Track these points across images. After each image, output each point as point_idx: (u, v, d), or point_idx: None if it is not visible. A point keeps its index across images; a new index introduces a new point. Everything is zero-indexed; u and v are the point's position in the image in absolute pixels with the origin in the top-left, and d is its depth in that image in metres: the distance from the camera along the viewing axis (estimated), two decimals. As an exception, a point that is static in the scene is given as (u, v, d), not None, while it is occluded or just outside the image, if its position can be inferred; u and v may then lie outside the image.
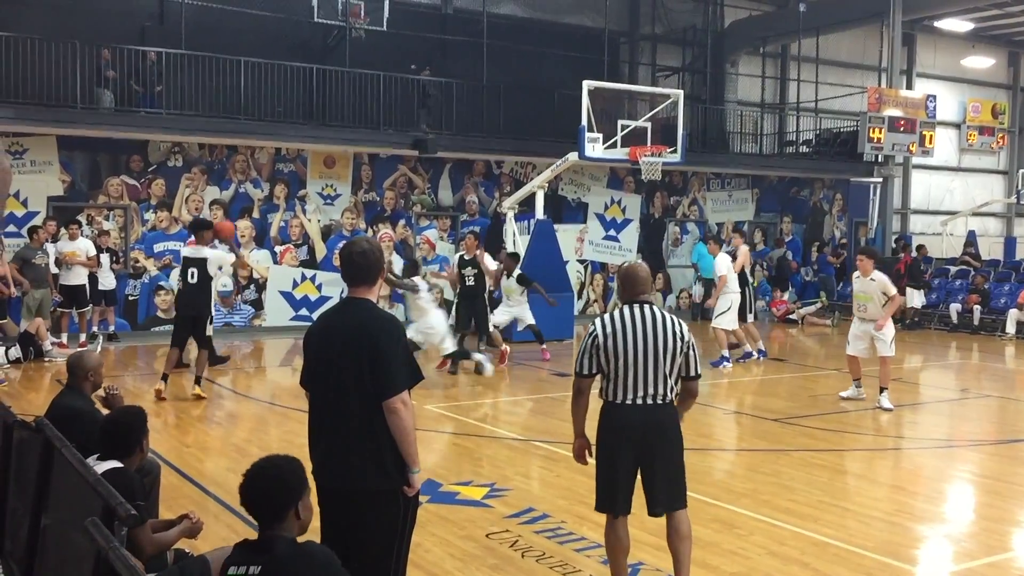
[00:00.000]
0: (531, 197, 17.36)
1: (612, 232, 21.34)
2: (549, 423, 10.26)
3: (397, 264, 18.78)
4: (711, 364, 13.74)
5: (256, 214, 17.66)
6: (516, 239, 17.33)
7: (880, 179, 23.73)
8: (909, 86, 26.80)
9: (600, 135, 15.83)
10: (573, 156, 16.10)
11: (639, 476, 4.99)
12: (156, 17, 17.81)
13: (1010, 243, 28.22)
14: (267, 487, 3.35)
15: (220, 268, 11.36)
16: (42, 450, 4.09)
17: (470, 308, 13.42)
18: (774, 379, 13.40)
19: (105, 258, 15.06)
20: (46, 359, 13.33)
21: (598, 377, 5.01)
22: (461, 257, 13.75)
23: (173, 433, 9.21)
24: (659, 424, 4.92)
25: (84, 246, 14.44)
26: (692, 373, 5.00)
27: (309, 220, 18.08)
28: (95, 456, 4.43)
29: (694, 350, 5.00)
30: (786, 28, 23.78)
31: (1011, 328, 18.41)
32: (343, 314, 4.21)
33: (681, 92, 17.28)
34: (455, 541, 6.09)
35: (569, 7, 22.16)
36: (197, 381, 11.03)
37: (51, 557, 3.88)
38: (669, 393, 4.93)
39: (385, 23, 18.27)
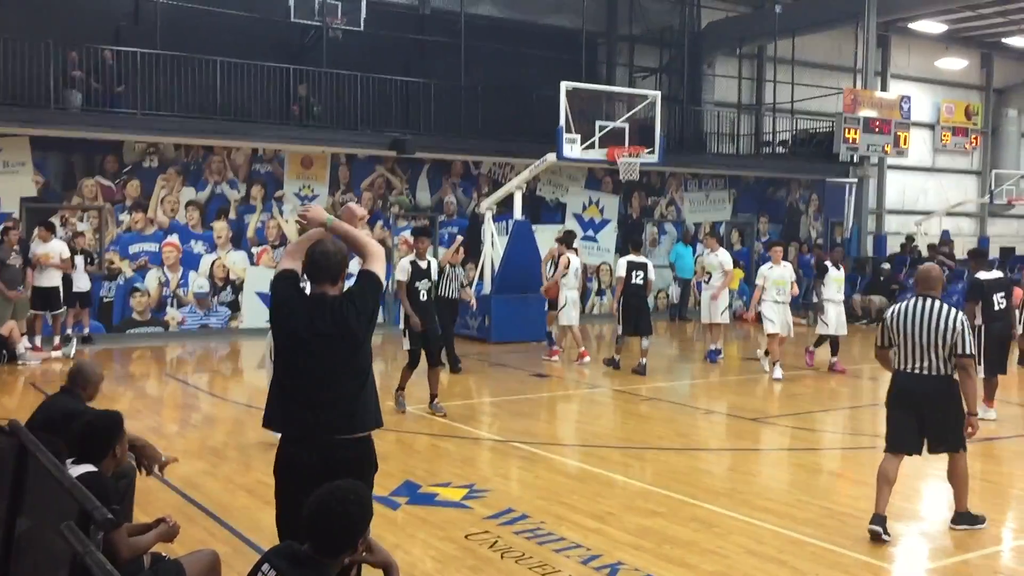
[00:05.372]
0: (509, 198, 17.35)
1: (590, 232, 21.37)
2: (528, 424, 10.26)
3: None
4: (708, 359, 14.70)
5: (233, 215, 17.55)
6: (494, 240, 17.32)
7: (855, 179, 23.95)
8: (884, 87, 27.04)
9: (578, 136, 15.85)
10: (551, 157, 16.11)
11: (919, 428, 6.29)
12: (131, 17, 17.68)
13: (983, 243, 28.51)
14: (332, 529, 3.32)
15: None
16: (16, 454, 4.04)
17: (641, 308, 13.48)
18: (751, 379, 13.46)
19: (79, 260, 14.89)
20: (19, 362, 13.18)
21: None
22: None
23: (150, 437, 9.08)
24: (930, 390, 6.22)
25: (58, 248, 14.28)
26: (962, 351, 6.17)
27: (287, 221, 17.99)
28: (70, 460, 4.38)
29: (964, 335, 6.17)
30: (762, 29, 23.93)
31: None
32: (310, 299, 4.30)
33: (658, 93, 17.34)
34: (434, 542, 6.07)
35: (547, 8, 22.18)
36: None
37: (27, 561, 3.84)
38: (943, 367, 6.19)
39: (362, 23, 18.23)
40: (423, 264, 10.10)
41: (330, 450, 4.11)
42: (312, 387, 4.15)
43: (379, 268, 4.23)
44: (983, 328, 10.23)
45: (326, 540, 3.31)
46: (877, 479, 6.35)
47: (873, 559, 5.90)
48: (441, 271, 12.69)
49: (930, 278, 6.47)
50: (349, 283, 4.22)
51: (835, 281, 13.50)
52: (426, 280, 10.05)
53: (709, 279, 14.79)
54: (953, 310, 6.26)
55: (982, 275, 10.45)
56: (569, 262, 14.13)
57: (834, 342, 13.57)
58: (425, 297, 10.00)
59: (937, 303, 6.29)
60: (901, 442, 6.35)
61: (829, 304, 13.44)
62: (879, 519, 6.23)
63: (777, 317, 12.88)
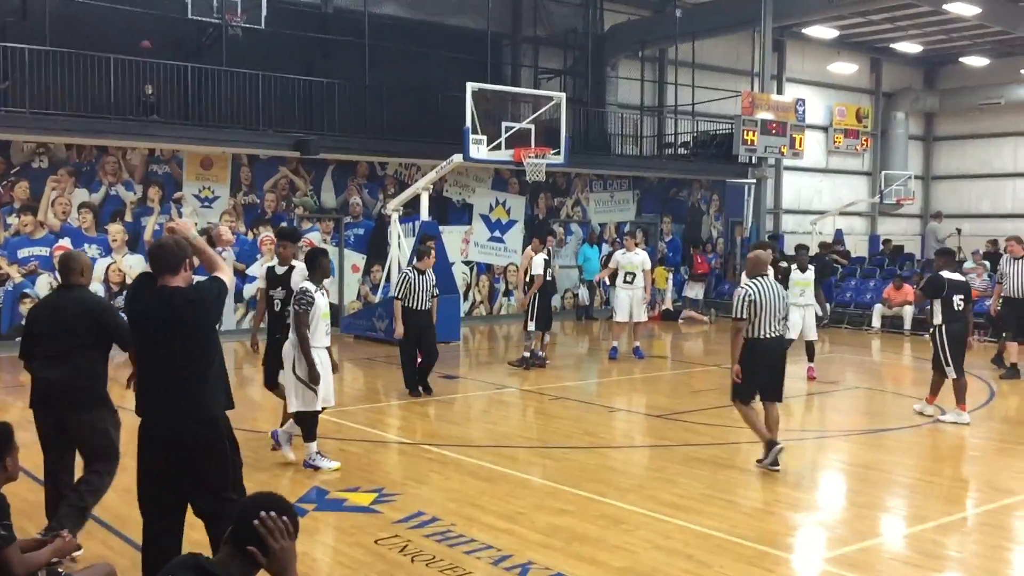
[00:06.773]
0: (416, 199, 17.26)
1: (497, 233, 21.43)
2: (437, 425, 10.24)
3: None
4: (609, 356, 14.98)
5: (129, 217, 17.01)
6: (401, 241, 17.22)
7: (754, 180, 24.58)
8: (780, 90, 27.82)
9: (484, 137, 15.87)
10: (457, 158, 16.10)
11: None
12: (18, 12, 16.94)
13: (874, 241, 29.62)
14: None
15: None
16: None
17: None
18: (656, 376, 13.69)
19: (-35, 265, 14.24)
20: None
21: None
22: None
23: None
24: (782, 348, 8.26)
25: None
26: (786, 315, 8.29)
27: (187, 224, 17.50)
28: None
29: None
30: (663, 33, 24.35)
31: (876, 322, 19.34)
32: (153, 291, 4.77)
33: (563, 95, 17.48)
34: (344, 548, 6.00)
35: (451, 8, 22.15)
36: None
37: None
38: (782, 329, 8.18)
39: (263, 21, 17.86)
40: (280, 270, 8.72)
41: (179, 429, 4.64)
42: (157, 371, 4.70)
43: (226, 277, 4.78)
44: (943, 328, 10.14)
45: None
46: (750, 423, 8.11)
47: (774, 550, 6.07)
48: (408, 280, 11.70)
49: (761, 263, 8.36)
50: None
51: (796, 284, 12.76)
52: (280, 288, 8.62)
53: (632, 279, 14.81)
54: (780, 285, 8.30)
55: (946, 274, 10.33)
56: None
57: (809, 347, 13.15)
58: (279, 307, 8.62)
59: (774, 281, 8.25)
60: (751, 393, 8.10)
61: (792, 308, 12.17)
62: (772, 444, 7.98)
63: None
